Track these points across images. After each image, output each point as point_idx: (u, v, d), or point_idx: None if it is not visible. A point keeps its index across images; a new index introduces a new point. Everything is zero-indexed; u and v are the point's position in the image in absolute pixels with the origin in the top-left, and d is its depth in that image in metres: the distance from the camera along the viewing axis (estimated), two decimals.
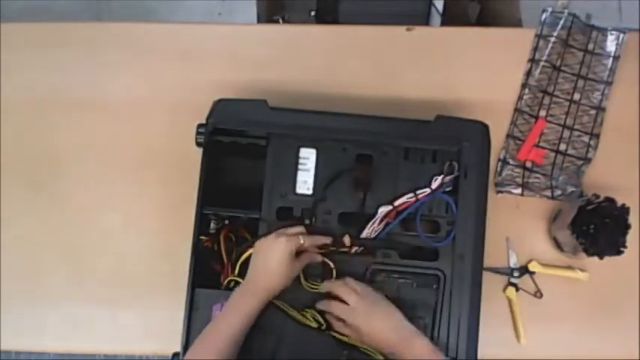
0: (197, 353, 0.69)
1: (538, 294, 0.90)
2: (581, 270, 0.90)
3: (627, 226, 0.83)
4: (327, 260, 0.77)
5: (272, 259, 0.72)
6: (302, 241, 0.73)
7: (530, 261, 0.90)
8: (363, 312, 0.72)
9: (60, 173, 0.96)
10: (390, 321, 0.72)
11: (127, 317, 0.91)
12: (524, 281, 0.90)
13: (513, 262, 0.91)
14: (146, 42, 1.00)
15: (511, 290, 0.90)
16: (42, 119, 0.97)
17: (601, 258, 0.83)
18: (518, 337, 0.89)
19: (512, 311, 0.89)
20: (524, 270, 0.90)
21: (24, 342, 0.94)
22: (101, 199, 0.95)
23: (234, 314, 0.71)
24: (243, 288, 0.73)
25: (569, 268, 0.90)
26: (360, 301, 0.73)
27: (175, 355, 0.76)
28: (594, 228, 0.84)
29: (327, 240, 0.76)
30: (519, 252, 0.91)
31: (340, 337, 0.75)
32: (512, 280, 0.90)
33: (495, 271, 0.90)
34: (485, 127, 0.80)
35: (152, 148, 0.95)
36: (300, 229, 0.76)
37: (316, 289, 0.77)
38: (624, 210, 0.84)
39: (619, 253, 0.83)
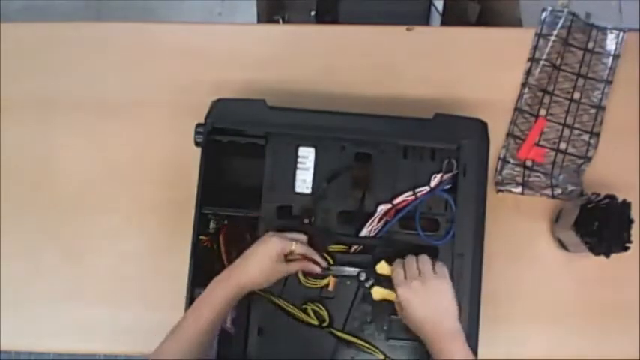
0: (164, 350, 0.66)
1: None
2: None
3: (630, 221, 0.82)
4: (326, 256, 0.76)
5: (255, 253, 0.71)
6: (293, 247, 0.72)
7: None
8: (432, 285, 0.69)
9: (60, 173, 0.96)
10: (449, 306, 0.69)
11: (127, 317, 0.91)
12: None
13: None
14: (146, 42, 1.00)
15: None
16: (42, 119, 0.97)
17: (607, 256, 0.82)
18: None
19: None
20: None
21: (24, 342, 0.94)
22: (101, 199, 0.95)
23: (204, 306, 0.69)
24: (218, 278, 0.71)
25: None
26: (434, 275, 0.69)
27: None
28: (598, 226, 0.83)
29: (319, 260, 0.74)
30: (519, 251, 0.91)
31: (341, 334, 0.75)
32: None
33: None
34: (484, 124, 0.80)
35: (151, 147, 0.96)
36: (300, 236, 0.74)
37: (315, 285, 0.77)
38: (626, 205, 0.83)
39: (625, 248, 0.82)
